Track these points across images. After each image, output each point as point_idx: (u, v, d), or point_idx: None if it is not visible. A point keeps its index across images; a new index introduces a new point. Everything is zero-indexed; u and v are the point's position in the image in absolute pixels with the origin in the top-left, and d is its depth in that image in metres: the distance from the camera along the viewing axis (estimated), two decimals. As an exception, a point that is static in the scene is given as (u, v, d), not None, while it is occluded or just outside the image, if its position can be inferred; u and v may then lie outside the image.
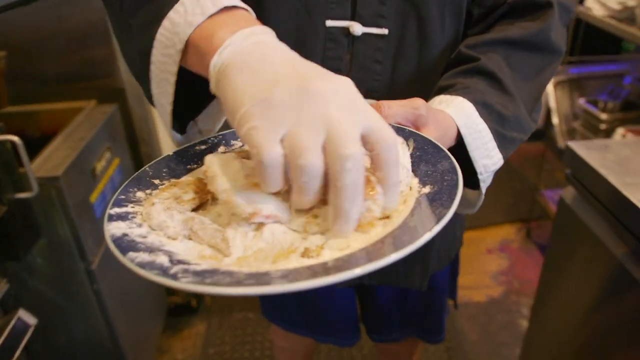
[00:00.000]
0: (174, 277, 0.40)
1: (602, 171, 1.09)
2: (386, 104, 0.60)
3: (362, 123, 0.42)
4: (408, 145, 0.56)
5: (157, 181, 0.58)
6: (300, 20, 0.73)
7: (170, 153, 0.63)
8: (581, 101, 2.04)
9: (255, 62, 0.44)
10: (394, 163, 0.44)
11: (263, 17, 0.72)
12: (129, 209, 0.52)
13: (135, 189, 0.56)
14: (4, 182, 1.04)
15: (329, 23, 0.72)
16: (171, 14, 0.51)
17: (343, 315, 1.15)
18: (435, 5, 0.71)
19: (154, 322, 1.84)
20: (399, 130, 0.61)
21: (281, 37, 0.71)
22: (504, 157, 0.69)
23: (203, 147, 0.66)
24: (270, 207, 0.48)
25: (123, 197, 0.54)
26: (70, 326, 1.36)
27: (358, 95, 0.44)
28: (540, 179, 2.37)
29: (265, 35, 0.49)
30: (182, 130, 0.67)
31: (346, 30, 0.73)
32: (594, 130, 1.96)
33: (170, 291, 2.01)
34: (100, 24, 1.53)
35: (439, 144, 0.57)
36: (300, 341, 1.31)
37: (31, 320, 1.05)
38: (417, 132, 0.60)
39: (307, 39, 0.73)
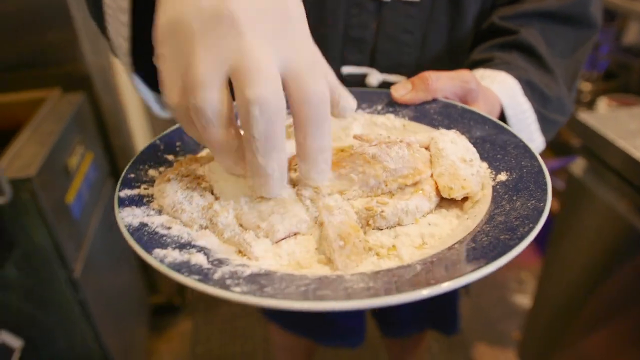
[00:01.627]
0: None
1: (620, 142, 1.06)
2: (434, 75, 0.53)
3: (284, 58, 0.33)
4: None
5: (171, 157, 0.49)
6: None
7: None
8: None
9: None
10: (315, 122, 0.34)
11: None
12: (141, 190, 0.43)
13: (147, 166, 0.46)
14: (-30, 187, 0.90)
15: None
16: None
17: (349, 315, 1.08)
18: None
19: (139, 325, 1.72)
20: (450, 107, 0.54)
21: None
22: (545, 141, 0.64)
23: None
24: (284, 224, 0.39)
25: (133, 175, 0.44)
26: (53, 343, 1.23)
27: (293, 17, 0.34)
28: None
29: None
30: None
31: None
32: (576, 101, 1.96)
33: (153, 290, 1.88)
34: (58, 3, 1.36)
35: (501, 123, 0.50)
36: (301, 340, 1.24)
37: (15, 342, 0.92)
38: (472, 109, 0.53)
39: (327, 3, 0.65)
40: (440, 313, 1.08)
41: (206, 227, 0.40)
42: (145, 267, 1.77)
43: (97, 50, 1.45)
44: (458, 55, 0.69)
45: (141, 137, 1.73)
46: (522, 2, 0.67)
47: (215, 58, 0.32)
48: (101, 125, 1.53)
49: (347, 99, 0.39)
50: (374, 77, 0.67)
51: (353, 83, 0.68)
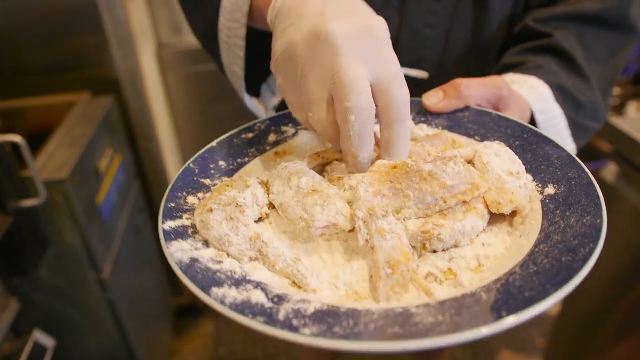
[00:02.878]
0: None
1: (655, 147, 1.04)
2: (465, 82, 0.53)
3: (373, 71, 0.40)
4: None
5: (207, 181, 0.48)
6: None
7: (214, 144, 0.53)
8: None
9: (293, 8, 0.43)
10: (398, 123, 0.41)
11: None
12: (184, 220, 0.42)
13: (185, 193, 0.46)
14: (6, 188, 0.92)
15: None
16: None
17: None
18: None
19: (163, 325, 1.74)
20: (485, 114, 0.52)
21: None
22: (577, 147, 0.62)
23: (250, 134, 0.56)
24: (323, 214, 0.40)
25: (173, 204, 0.44)
26: (83, 342, 1.25)
27: (380, 37, 0.41)
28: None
29: None
30: (257, 93, 0.66)
31: None
32: (605, 104, 1.93)
33: (176, 291, 1.90)
34: (89, 8, 1.39)
35: (541, 131, 0.49)
36: None
37: (48, 341, 0.94)
38: (508, 116, 0.52)
39: None
40: None
41: (255, 259, 0.40)
42: (169, 269, 1.79)
43: (126, 54, 1.48)
44: (484, 55, 0.68)
45: (167, 141, 1.75)
46: (557, 4, 0.65)
47: (320, 79, 0.40)
48: (129, 128, 1.55)
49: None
50: None
51: None
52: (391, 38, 0.65)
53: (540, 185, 0.43)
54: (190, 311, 2.00)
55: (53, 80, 1.46)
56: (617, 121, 1.13)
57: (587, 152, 2.22)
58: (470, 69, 0.69)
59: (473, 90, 0.53)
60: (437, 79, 0.67)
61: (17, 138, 0.91)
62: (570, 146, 0.61)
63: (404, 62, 0.67)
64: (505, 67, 0.64)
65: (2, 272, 0.93)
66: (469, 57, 0.68)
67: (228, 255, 0.39)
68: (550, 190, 0.42)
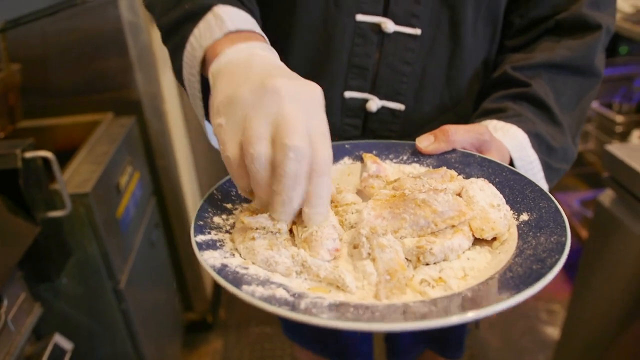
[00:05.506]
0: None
1: (648, 174, 1.08)
2: (453, 129, 0.60)
3: (309, 125, 0.44)
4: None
5: (229, 205, 0.55)
6: (328, 13, 0.70)
7: None
8: (594, 104, 2.05)
9: (237, 68, 0.48)
10: (318, 176, 0.45)
11: (290, 9, 0.71)
12: (213, 236, 0.50)
13: (211, 214, 0.53)
14: (37, 200, 0.99)
15: (360, 17, 0.70)
16: (191, 38, 0.56)
17: (363, 339, 1.13)
18: (471, 7, 0.70)
19: (174, 339, 1.79)
20: (469, 156, 0.60)
21: (308, 30, 0.72)
22: (549, 188, 0.69)
23: None
24: (327, 245, 0.47)
25: (202, 222, 0.51)
26: (96, 349, 1.31)
27: (317, 99, 0.46)
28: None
29: (261, 48, 0.51)
30: None
31: (377, 27, 0.70)
32: (609, 132, 1.97)
33: (187, 307, 1.95)
34: (115, 34, 1.49)
35: (516, 170, 0.57)
36: (319, 358, 1.27)
37: (67, 345, 1.00)
38: (489, 158, 0.60)
39: (335, 33, 0.71)
40: (444, 337, 1.10)
41: (301, 272, 0.46)
42: (181, 285, 1.85)
43: (148, 77, 1.57)
44: (457, 89, 0.75)
45: (183, 160, 1.83)
46: (532, 50, 0.72)
47: (264, 120, 0.44)
48: (148, 147, 1.63)
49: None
50: (374, 103, 0.73)
51: (354, 106, 0.74)
52: (371, 72, 0.73)
53: (516, 213, 0.51)
54: (200, 327, 2.04)
55: (79, 101, 1.56)
56: (612, 148, 1.18)
57: (594, 179, 2.26)
58: (444, 102, 0.75)
59: (460, 136, 0.60)
60: (413, 111, 0.74)
61: (47, 154, 0.98)
62: (543, 187, 0.68)
63: (383, 95, 0.73)
64: (487, 112, 0.71)
65: (28, 278, 1.00)
66: (444, 92, 0.75)
67: (279, 273, 0.46)
68: (524, 217, 0.50)
